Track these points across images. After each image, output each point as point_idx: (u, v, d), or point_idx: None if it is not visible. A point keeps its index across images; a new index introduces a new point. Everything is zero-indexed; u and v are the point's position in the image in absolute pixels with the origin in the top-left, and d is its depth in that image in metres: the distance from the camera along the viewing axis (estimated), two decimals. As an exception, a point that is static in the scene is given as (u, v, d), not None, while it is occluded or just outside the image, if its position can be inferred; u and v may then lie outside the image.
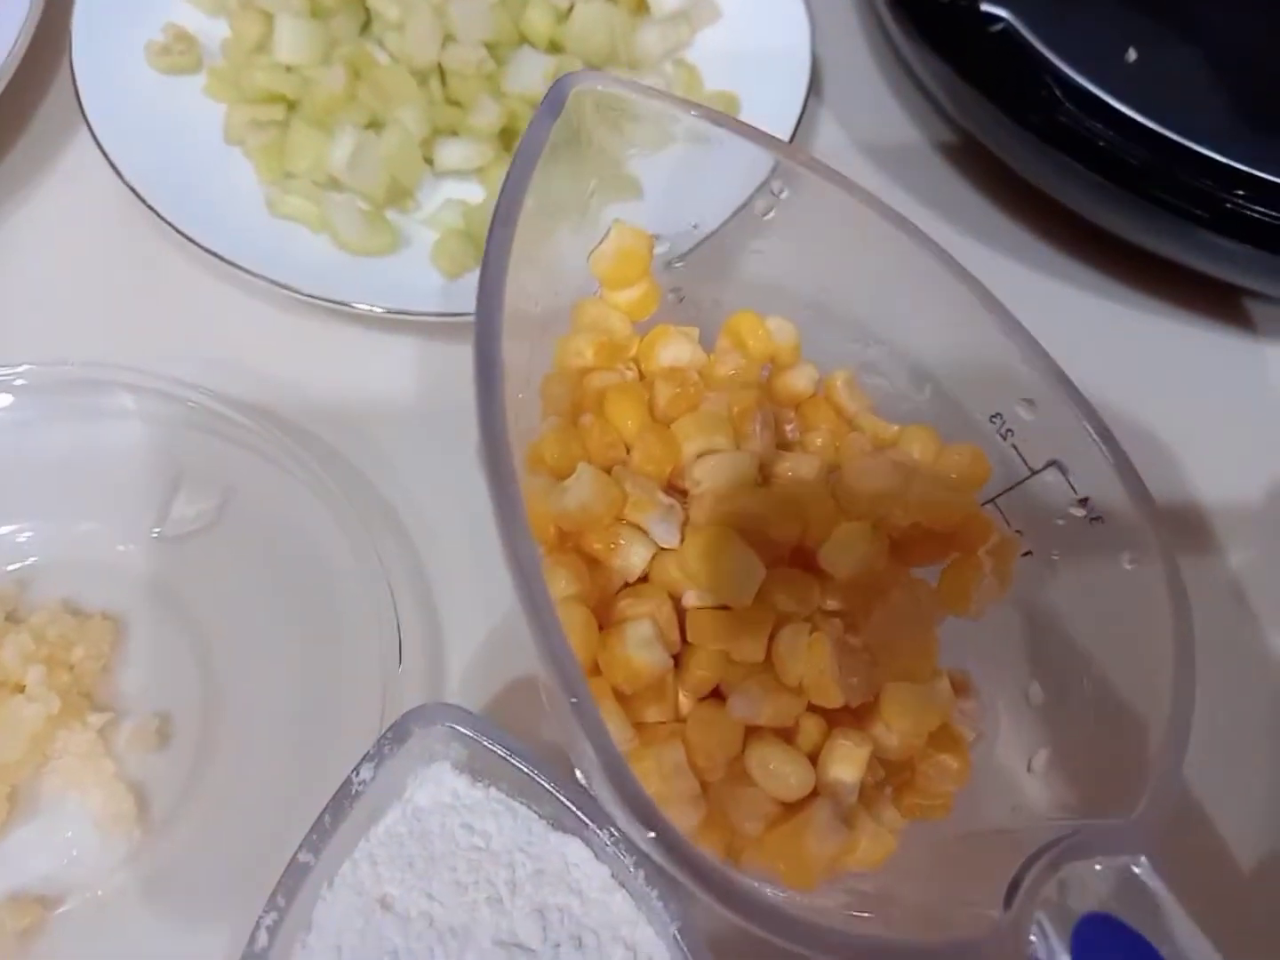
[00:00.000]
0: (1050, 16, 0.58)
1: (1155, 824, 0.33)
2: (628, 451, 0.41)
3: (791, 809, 0.36)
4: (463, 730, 0.37)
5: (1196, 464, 0.56)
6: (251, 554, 0.47)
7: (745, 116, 0.61)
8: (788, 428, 0.45)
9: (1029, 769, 0.39)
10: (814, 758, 0.37)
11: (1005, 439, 0.43)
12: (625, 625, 0.37)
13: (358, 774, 0.36)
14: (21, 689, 0.42)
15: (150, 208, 0.51)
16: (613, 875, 0.36)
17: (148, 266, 0.56)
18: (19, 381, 0.47)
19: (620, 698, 0.36)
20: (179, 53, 0.58)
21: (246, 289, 0.54)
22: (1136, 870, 0.31)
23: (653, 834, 0.30)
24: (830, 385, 0.45)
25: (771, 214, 0.46)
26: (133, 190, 0.52)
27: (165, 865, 0.41)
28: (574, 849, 0.37)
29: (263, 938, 0.34)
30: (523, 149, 0.39)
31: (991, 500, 0.44)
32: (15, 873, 0.40)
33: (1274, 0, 0.60)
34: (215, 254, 0.51)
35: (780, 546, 0.39)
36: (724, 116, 0.44)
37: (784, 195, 0.45)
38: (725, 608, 0.38)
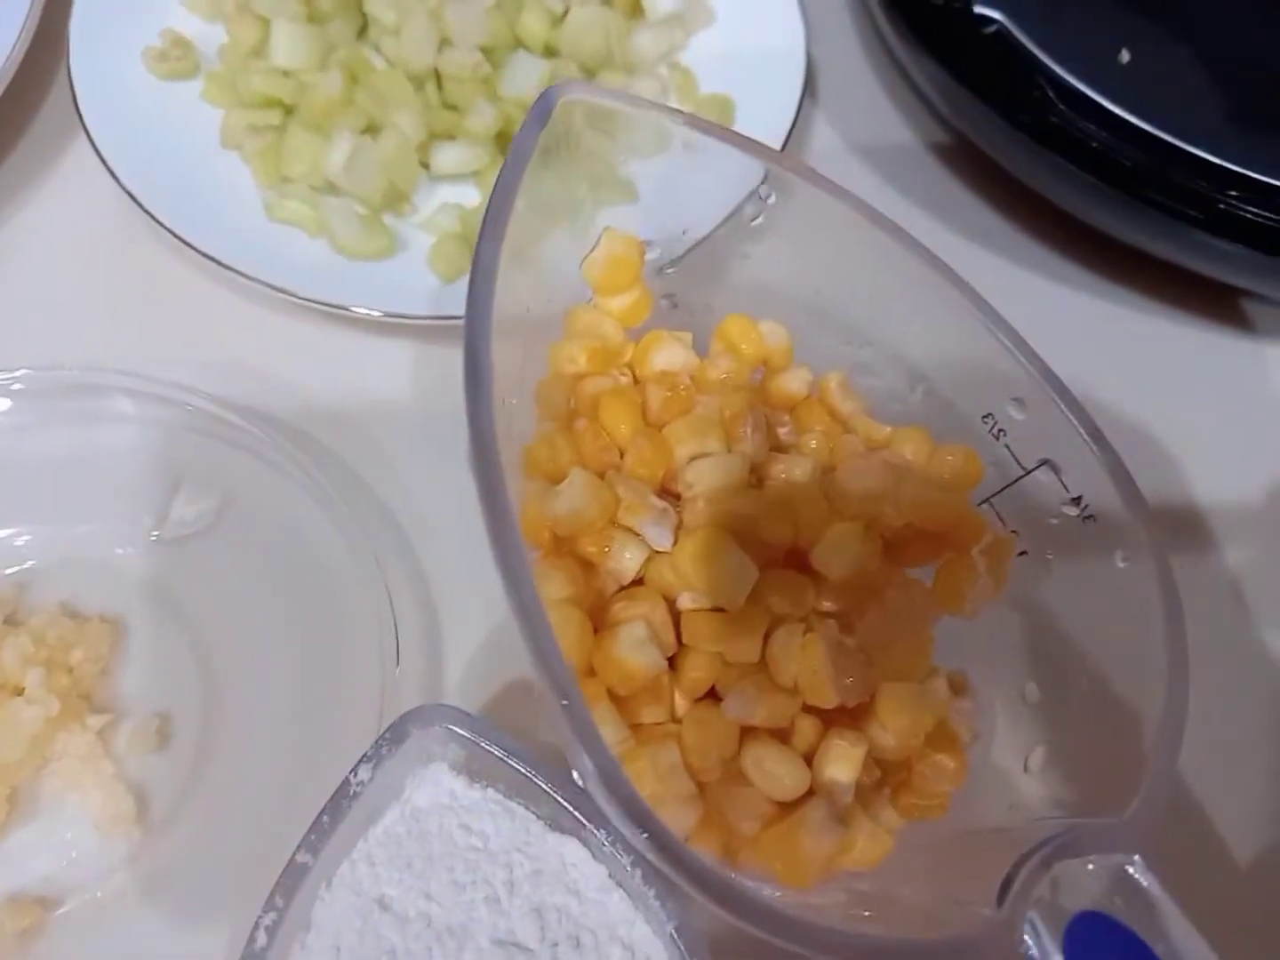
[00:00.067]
0: (1043, 18, 0.58)
1: (1149, 823, 0.33)
2: (621, 456, 0.41)
3: (787, 809, 0.36)
4: (460, 731, 0.37)
5: (1194, 464, 0.56)
6: (250, 556, 0.47)
7: (740, 119, 0.61)
8: (782, 430, 0.45)
9: (1025, 768, 0.40)
10: (810, 758, 0.37)
11: (998, 439, 0.43)
12: (619, 627, 0.37)
13: (356, 775, 0.36)
14: (21, 691, 0.42)
15: (148, 212, 0.52)
16: (610, 875, 0.36)
17: (145, 271, 0.56)
18: (17, 386, 0.47)
19: (616, 699, 0.37)
20: (176, 58, 0.59)
21: (244, 293, 0.54)
22: (1130, 869, 0.31)
23: (645, 834, 0.30)
24: (824, 387, 0.46)
25: (760, 220, 0.46)
26: (130, 195, 0.52)
27: (165, 866, 0.41)
28: (571, 849, 0.37)
29: (262, 937, 0.34)
30: (511, 157, 0.40)
31: (986, 500, 0.44)
32: (15, 874, 0.40)
33: (1266, 1, 0.60)
34: (213, 258, 0.51)
35: (773, 548, 0.40)
36: (712, 125, 0.45)
37: (772, 201, 0.46)
38: (720, 609, 0.38)
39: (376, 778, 0.36)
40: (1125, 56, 0.57)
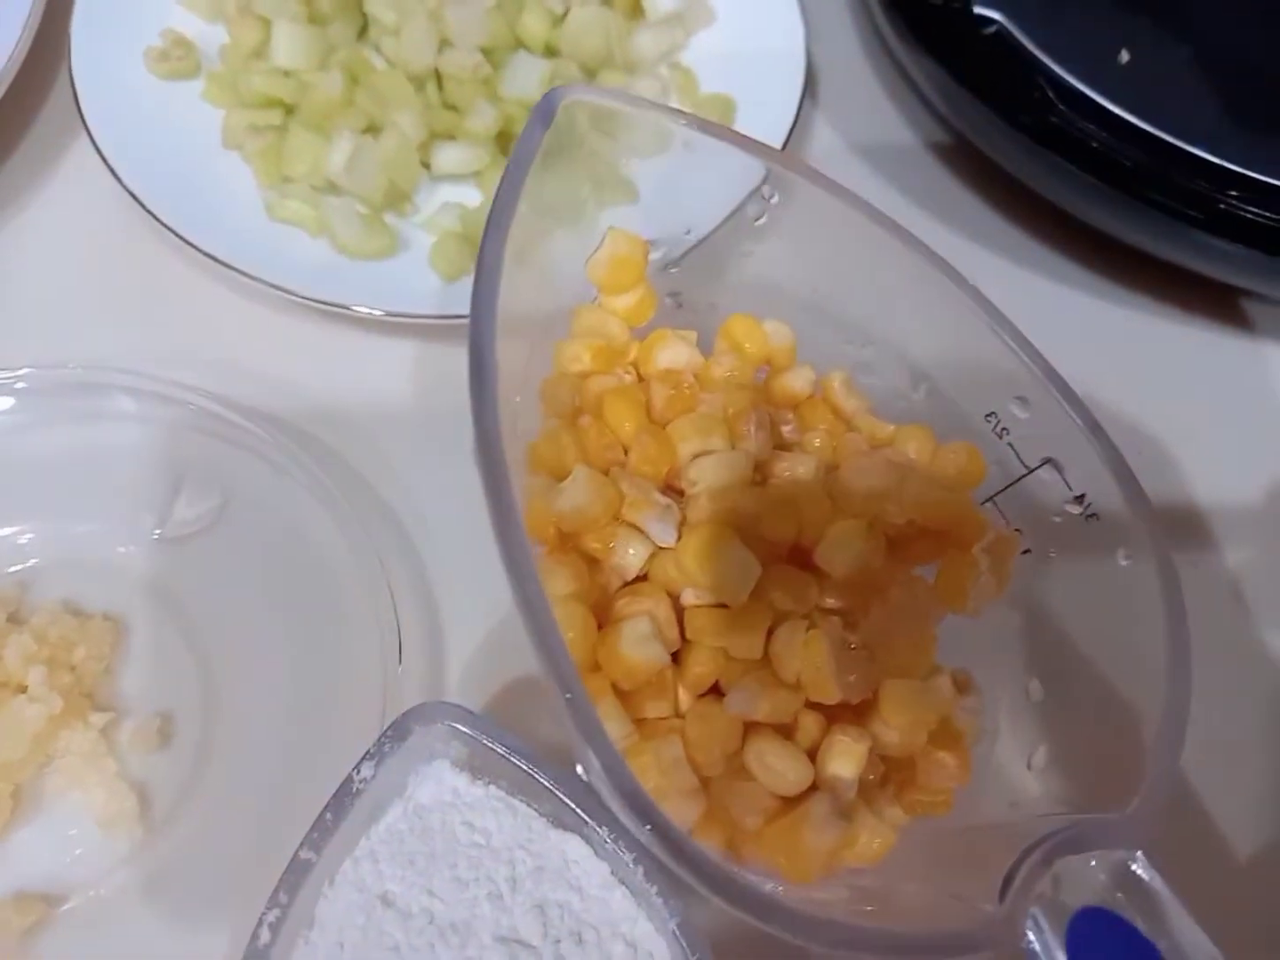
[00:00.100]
0: (1043, 19, 0.58)
1: (1150, 819, 0.33)
2: (625, 453, 0.41)
3: (790, 804, 0.37)
4: (462, 729, 0.37)
5: (1194, 463, 0.56)
6: (252, 555, 0.47)
7: (740, 119, 0.62)
8: (785, 428, 0.45)
9: (1028, 766, 0.40)
10: (813, 754, 0.38)
11: (1001, 437, 0.43)
12: (623, 623, 0.37)
13: (359, 772, 0.36)
14: (24, 689, 0.42)
15: (149, 212, 0.52)
16: (612, 872, 0.36)
17: (147, 270, 0.56)
18: (20, 384, 0.47)
19: (620, 694, 0.37)
20: (177, 58, 0.59)
21: (245, 292, 0.54)
22: (1133, 865, 0.31)
23: (649, 828, 0.30)
24: (827, 386, 0.46)
25: (764, 219, 0.47)
26: (132, 195, 0.52)
27: (167, 863, 0.41)
28: (573, 846, 0.37)
29: (265, 934, 0.34)
30: (514, 158, 0.40)
31: (990, 499, 0.44)
32: (19, 871, 0.40)
33: (1265, 1, 0.60)
34: (214, 257, 0.51)
35: (777, 545, 0.40)
36: (714, 125, 0.45)
37: (775, 201, 0.46)
38: (723, 605, 0.38)
39: (379, 775, 0.36)
40: (1125, 57, 0.57)
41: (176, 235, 0.51)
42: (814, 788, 0.37)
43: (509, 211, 0.38)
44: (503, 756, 0.37)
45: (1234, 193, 0.54)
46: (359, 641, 0.44)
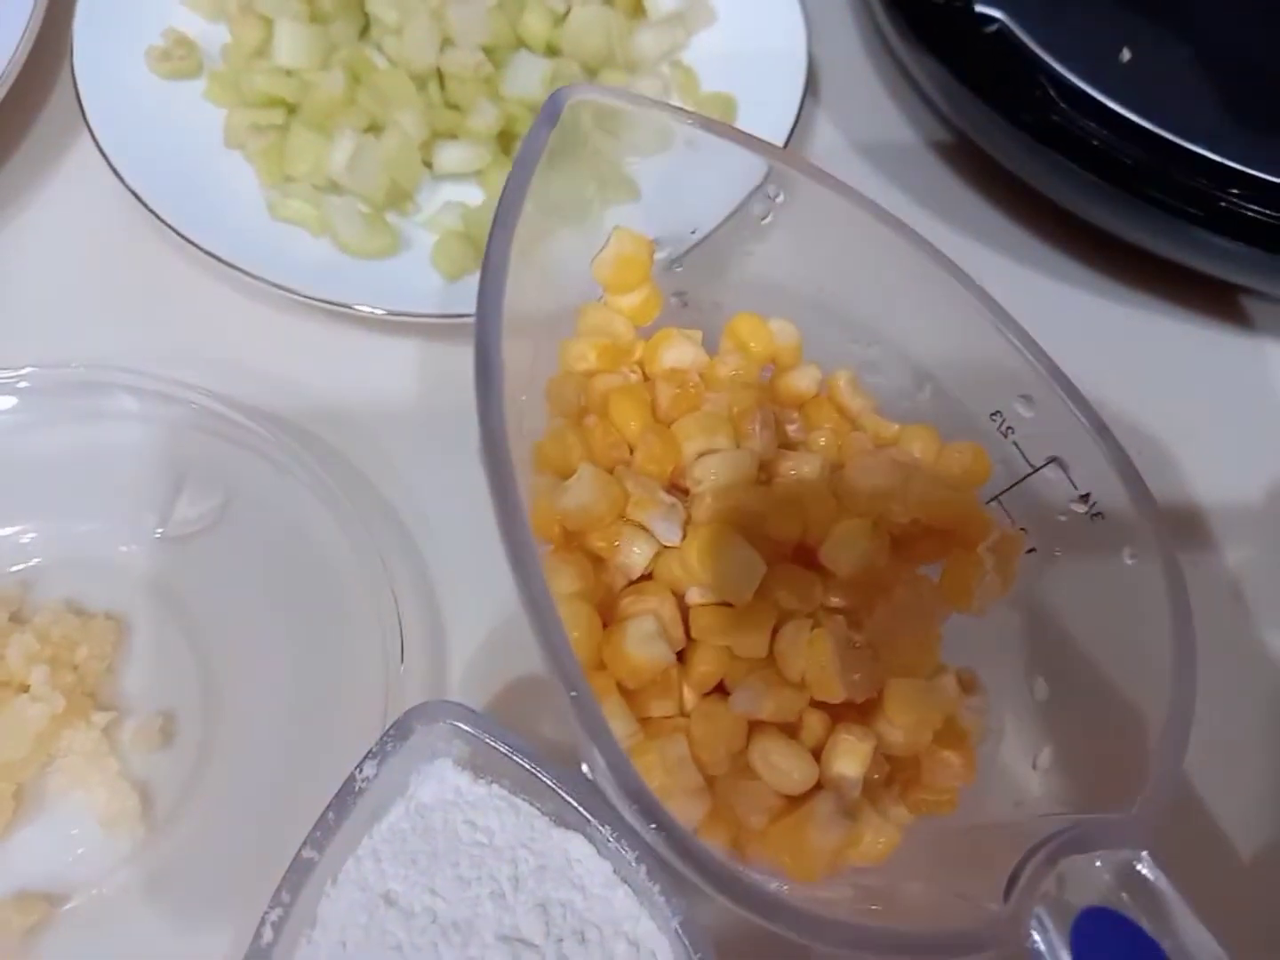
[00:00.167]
0: (1044, 17, 0.58)
1: (1155, 819, 0.33)
2: (631, 452, 0.41)
3: (795, 802, 0.37)
4: (465, 728, 0.37)
5: (1193, 462, 0.56)
6: (254, 554, 0.47)
7: (742, 118, 0.62)
8: (790, 427, 0.45)
9: (1034, 765, 0.40)
10: (818, 753, 0.38)
11: (1006, 436, 0.43)
12: (628, 622, 0.37)
13: (361, 771, 0.36)
14: (26, 689, 0.42)
15: (152, 211, 0.52)
16: (615, 871, 0.36)
17: (149, 269, 0.56)
18: (22, 384, 0.47)
19: (625, 693, 0.37)
20: (179, 57, 0.59)
21: (247, 291, 0.54)
22: (1137, 865, 0.31)
23: (654, 826, 0.30)
24: (833, 385, 0.46)
25: (769, 218, 0.47)
26: (134, 194, 0.52)
27: (169, 862, 0.41)
28: (576, 845, 0.37)
29: (268, 933, 0.34)
30: (520, 158, 0.40)
31: (995, 498, 0.44)
32: (21, 870, 0.40)
33: (1266, 0, 0.60)
34: (216, 257, 0.51)
35: (782, 544, 0.40)
36: (718, 124, 0.45)
37: (781, 200, 0.46)
38: (728, 604, 0.38)
39: (381, 774, 0.36)
40: (1126, 55, 0.57)
41: (178, 234, 0.51)
42: (819, 787, 0.37)
43: (515, 211, 0.38)
44: (505, 755, 0.37)
45: (1235, 190, 0.54)
46: (360, 641, 0.44)
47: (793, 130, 0.59)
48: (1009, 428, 0.43)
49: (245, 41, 0.58)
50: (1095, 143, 0.55)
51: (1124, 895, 0.31)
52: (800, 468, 0.42)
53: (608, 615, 0.38)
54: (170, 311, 0.55)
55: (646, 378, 0.44)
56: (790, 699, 0.37)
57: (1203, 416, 0.58)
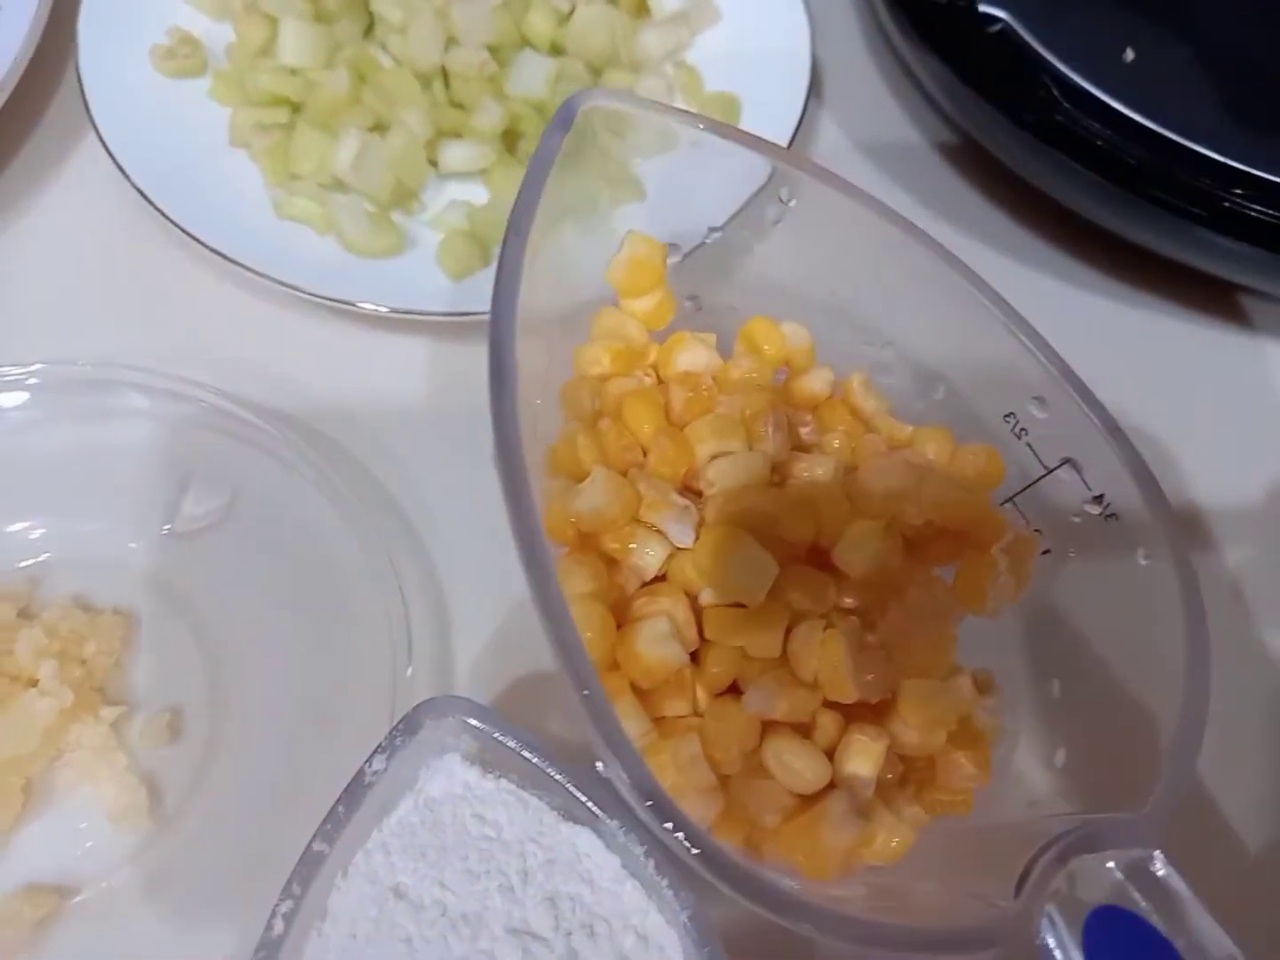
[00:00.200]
0: (1048, 17, 0.58)
1: (1167, 817, 0.33)
2: (644, 455, 0.41)
3: (808, 802, 0.37)
4: (473, 722, 0.37)
5: (1194, 462, 0.56)
6: (260, 551, 0.47)
7: (746, 118, 0.62)
8: (804, 430, 0.45)
9: (1048, 765, 0.40)
10: (832, 753, 0.38)
11: (1020, 438, 0.44)
12: (642, 623, 0.38)
13: (370, 765, 0.36)
14: (34, 683, 0.42)
15: (158, 209, 0.52)
16: (623, 865, 0.36)
17: (155, 268, 0.56)
18: (32, 380, 0.47)
19: (639, 693, 0.37)
20: (184, 56, 0.59)
21: (253, 290, 0.54)
22: (1150, 863, 0.31)
23: (668, 824, 0.30)
24: (846, 387, 0.46)
25: (781, 222, 0.47)
26: (140, 192, 0.52)
27: (177, 856, 0.41)
28: (584, 839, 0.37)
29: (279, 925, 0.34)
30: (534, 164, 0.40)
31: (1010, 499, 0.44)
32: (31, 863, 0.41)
33: (1270, 0, 0.61)
34: (222, 255, 0.51)
35: (795, 545, 0.40)
36: (729, 129, 0.45)
37: (793, 205, 0.46)
38: (741, 605, 0.39)
39: (391, 768, 0.36)
40: (1130, 55, 0.58)
41: (184, 232, 0.51)
42: (832, 786, 0.37)
43: (529, 217, 0.39)
44: (514, 750, 0.37)
45: (1238, 190, 0.54)
46: (367, 638, 0.44)
47: (796, 131, 0.59)
48: (1022, 429, 0.43)
49: (250, 40, 0.58)
50: (1099, 143, 0.55)
51: (1136, 894, 0.31)
52: (813, 469, 0.42)
53: (622, 616, 0.39)
54: (175, 310, 0.55)
55: (660, 381, 0.45)
56: (803, 699, 0.38)
57: (1203, 417, 0.58)
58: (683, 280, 0.47)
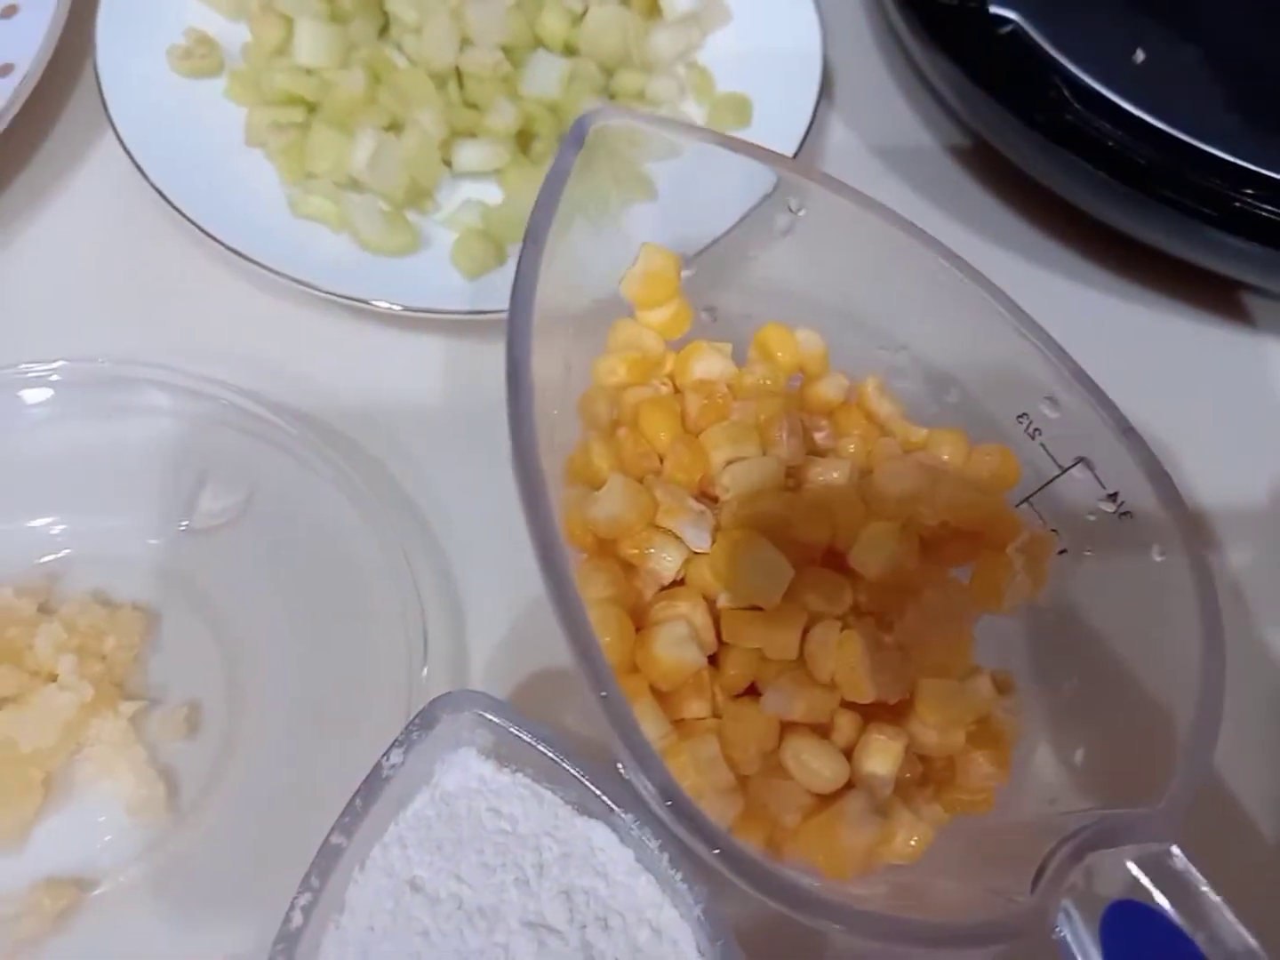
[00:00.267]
0: (1058, 18, 0.59)
1: (1184, 812, 0.33)
2: (661, 462, 0.42)
3: (827, 801, 0.37)
4: (490, 717, 0.37)
5: (1194, 461, 0.56)
6: (276, 548, 0.47)
7: (756, 119, 0.62)
8: (819, 435, 0.46)
9: (1068, 763, 0.40)
10: (850, 753, 0.38)
11: (1034, 438, 0.44)
12: (660, 626, 0.38)
13: (388, 759, 0.37)
14: (54, 678, 0.42)
15: (175, 208, 0.52)
16: (637, 859, 0.37)
17: (172, 266, 0.56)
18: (54, 377, 0.48)
19: (659, 696, 0.38)
20: (200, 56, 0.59)
21: (269, 288, 0.54)
22: (1167, 857, 0.31)
23: (687, 823, 0.31)
24: (861, 392, 0.47)
25: (792, 231, 0.47)
26: (158, 191, 0.53)
27: (195, 849, 0.42)
28: (599, 833, 0.37)
29: (297, 917, 0.34)
30: (548, 182, 0.41)
31: (1026, 499, 0.45)
32: (51, 856, 0.41)
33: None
34: (238, 253, 0.52)
35: (811, 548, 0.40)
36: (738, 142, 0.46)
37: (802, 213, 0.47)
38: (759, 608, 0.39)
39: (407, 762, 0.37)
40: (1140, 56, 0.58)
41: (201, 230, 0.52)
42: (850, 785, 0.37)
43: (543, 233, 0.40)
44: (529, 744, 0.37)
45: (1249, 190, 0.54)
46: (383, 634, 0.44)
47: (807, 132, 0.60)
48: (1036, 429, 0.44)
49: (266, 40, 0.58)
50: (1109, 143, 0.55)
51: (1153, 888, 0.31)
52: (828, 473, 0.42)
53: (640, 621, 0.39)
54: (192, 308, 0.56)
55: (677, 390, 0.45)
56: (821, 699, 0.38)
57: (1203, 416, 0.58)
58: (698, 291, 0.48)
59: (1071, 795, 0.39)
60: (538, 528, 0.34)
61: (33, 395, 0.48)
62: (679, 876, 0.36)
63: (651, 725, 0.37)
